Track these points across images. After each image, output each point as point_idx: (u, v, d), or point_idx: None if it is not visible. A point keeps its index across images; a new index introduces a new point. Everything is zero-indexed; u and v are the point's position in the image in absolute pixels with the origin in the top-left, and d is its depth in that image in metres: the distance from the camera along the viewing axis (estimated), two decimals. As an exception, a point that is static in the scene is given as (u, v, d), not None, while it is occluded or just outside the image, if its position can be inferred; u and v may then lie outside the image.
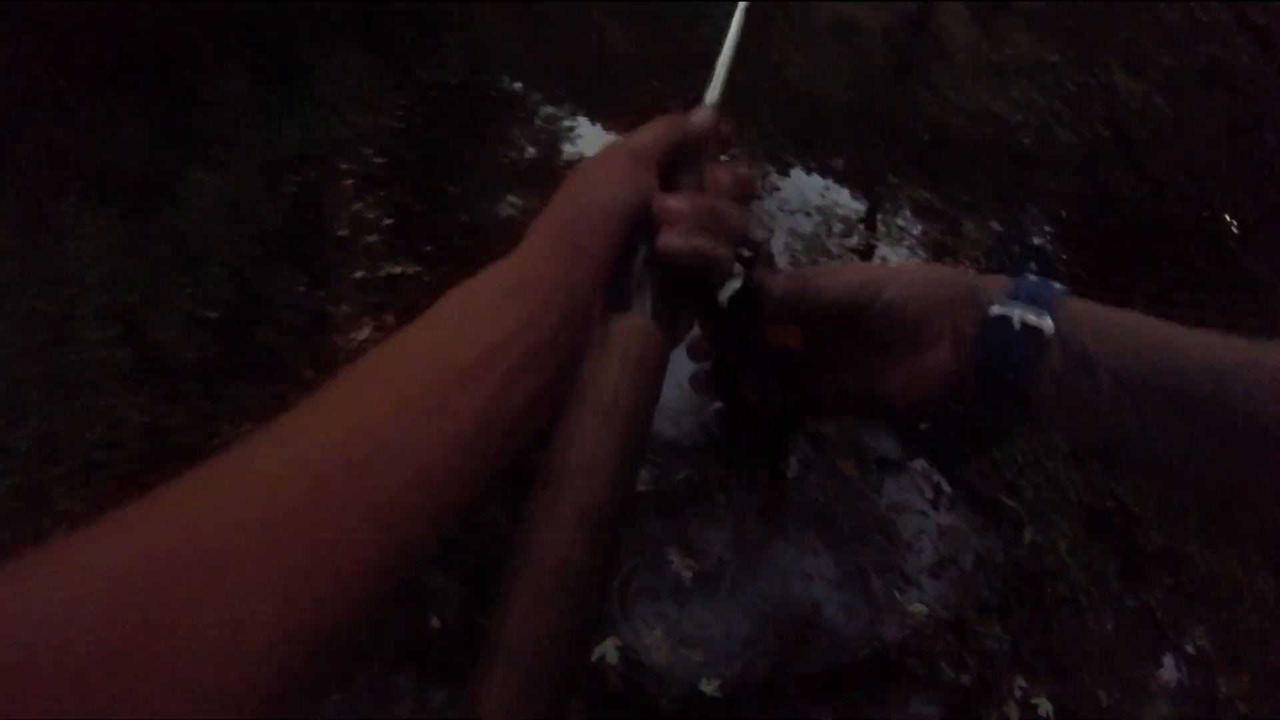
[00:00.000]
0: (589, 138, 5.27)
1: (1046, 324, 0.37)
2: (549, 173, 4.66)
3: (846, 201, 4.60)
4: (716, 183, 0.41)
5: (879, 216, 4.60)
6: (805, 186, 4.71)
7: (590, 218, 0.37)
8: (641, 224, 0.38)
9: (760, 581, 2.21)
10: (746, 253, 0.41)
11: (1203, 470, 0.35)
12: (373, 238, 3.39)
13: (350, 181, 3.76)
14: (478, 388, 0.32)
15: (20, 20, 4.04)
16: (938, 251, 4.22)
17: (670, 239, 0.37)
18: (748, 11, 0.50)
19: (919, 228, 4.49)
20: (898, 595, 2.27)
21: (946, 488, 2.63)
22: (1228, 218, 3.54)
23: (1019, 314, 0.38)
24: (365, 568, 0.27)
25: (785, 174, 4.84)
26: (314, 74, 4.54)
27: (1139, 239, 3.68)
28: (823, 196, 4.53)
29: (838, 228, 4.17)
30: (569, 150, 5.06)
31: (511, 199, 4.17)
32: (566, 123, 5.51)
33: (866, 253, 4.12)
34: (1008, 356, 0.37)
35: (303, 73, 4.53)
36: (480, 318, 0.34)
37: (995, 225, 4.45)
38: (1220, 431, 0.34)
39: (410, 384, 0.31)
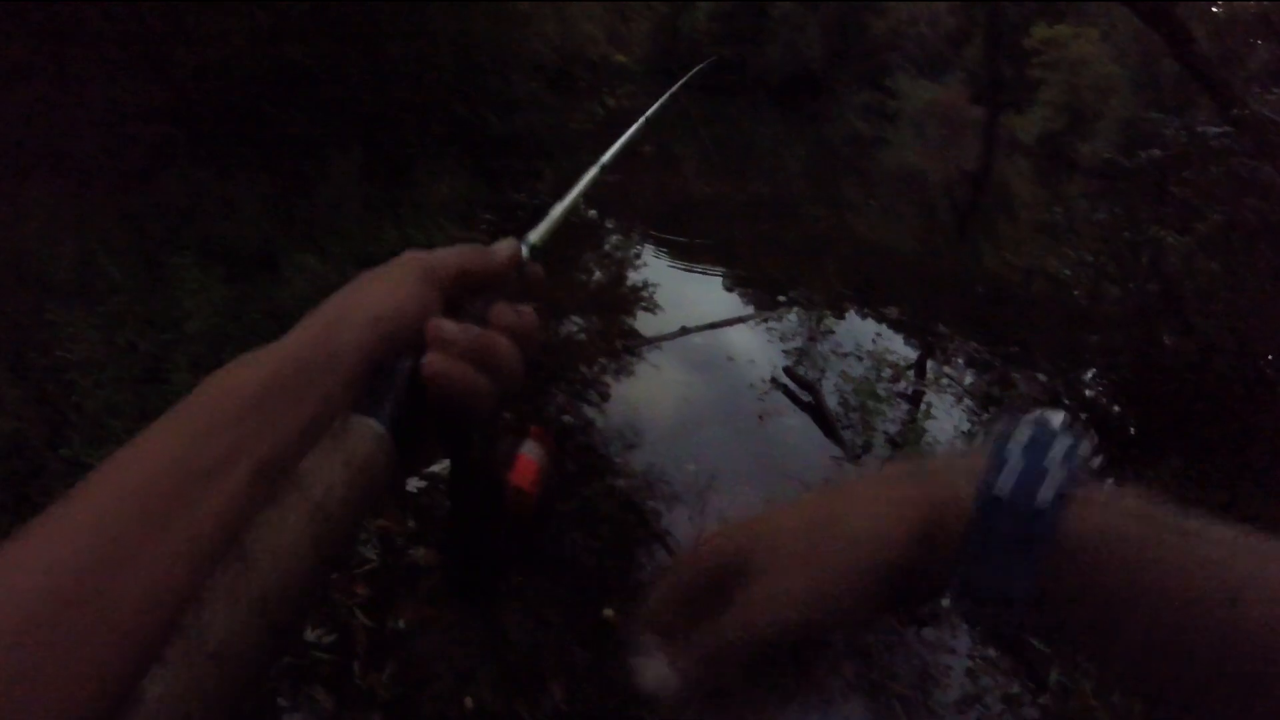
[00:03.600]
0: (652, 267, 5.66)
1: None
2: (613, 298, 5.00)
3: (898, 348, 4.74)
4: (499, 318, 0.40)
5: (929, 364, 4.70)
6: (859, 331, 4.88)
7: (356, 321, 0.37)
8: (412, 340, 0.37)
9: None
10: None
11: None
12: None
13: (438, 286, 4.05)
14: (221, 486, 0.31)
15: (161, 82, 4.48)
16: (985, 402, 4.30)
17: (435, 361, 0.37)
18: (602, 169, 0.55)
19: (969, 378, 4.56)
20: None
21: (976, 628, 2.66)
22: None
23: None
24: (100, 678, 0.27)
25: (840, 317, 5.06)
26: (417, 183, 5.00)
27: (1188, 396, 3.67)
28: (874, 342, 4.68)
29: (887, 373, 4.27)
30: (633, 277, 5.39)
31: (575, 319, 4.46)
32: (634, 251, 5.86)
33: (915, 399, 4.20)
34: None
35: (408, 181, 4.99)
36: (229, 412, 0.33)
37: (1042, 378, 4.53)
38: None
39: (154, 485, 0.31)
